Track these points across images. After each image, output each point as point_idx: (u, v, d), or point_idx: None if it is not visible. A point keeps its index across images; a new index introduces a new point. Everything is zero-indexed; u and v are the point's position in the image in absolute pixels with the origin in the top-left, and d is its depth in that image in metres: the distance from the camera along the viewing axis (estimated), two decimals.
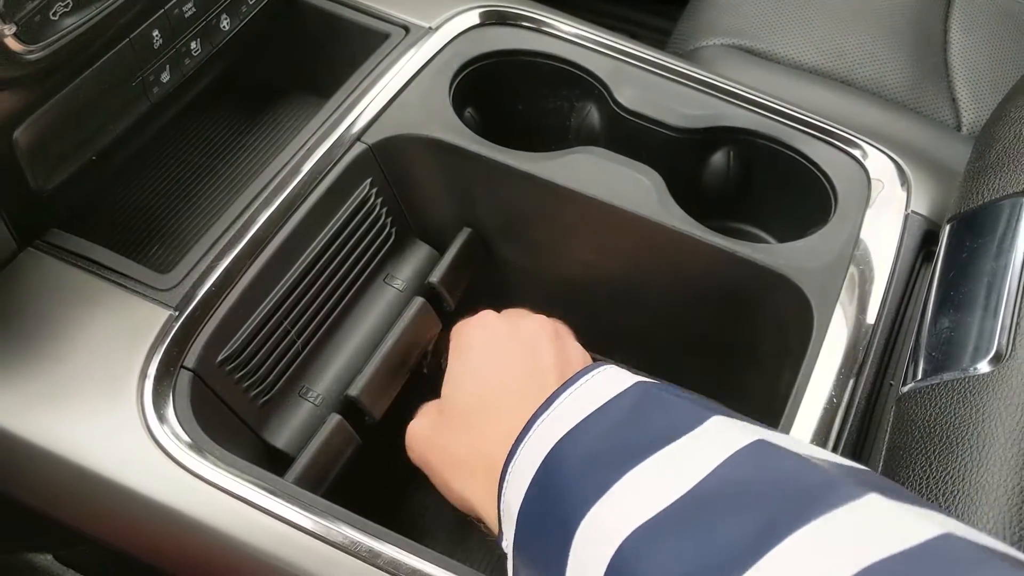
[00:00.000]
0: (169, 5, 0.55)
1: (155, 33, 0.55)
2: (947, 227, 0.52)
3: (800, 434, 0.49)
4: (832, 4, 0.85)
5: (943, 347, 0.43)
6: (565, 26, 0.67)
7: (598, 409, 0.40)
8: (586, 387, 0.42)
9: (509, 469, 0.41)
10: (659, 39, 1.12)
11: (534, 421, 0.42)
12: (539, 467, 0.39)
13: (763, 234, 0.68)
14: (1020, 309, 0.39)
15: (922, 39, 0.84)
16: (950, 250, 0.49)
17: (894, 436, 0.43)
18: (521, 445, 0.41)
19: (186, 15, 0.57)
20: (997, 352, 0.39)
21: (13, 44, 0.46)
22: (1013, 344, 0.38)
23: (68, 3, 0.48)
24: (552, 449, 0.39)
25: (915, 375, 0.44)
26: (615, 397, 0.40)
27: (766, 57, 0.81)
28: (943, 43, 0.86)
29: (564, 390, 0.42)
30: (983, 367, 0.39)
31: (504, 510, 0.42)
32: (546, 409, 0.42)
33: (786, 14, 0.83)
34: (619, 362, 0.67)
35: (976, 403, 0.38)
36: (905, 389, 0.45)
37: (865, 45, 0.82)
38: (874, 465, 0.45)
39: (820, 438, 0.49)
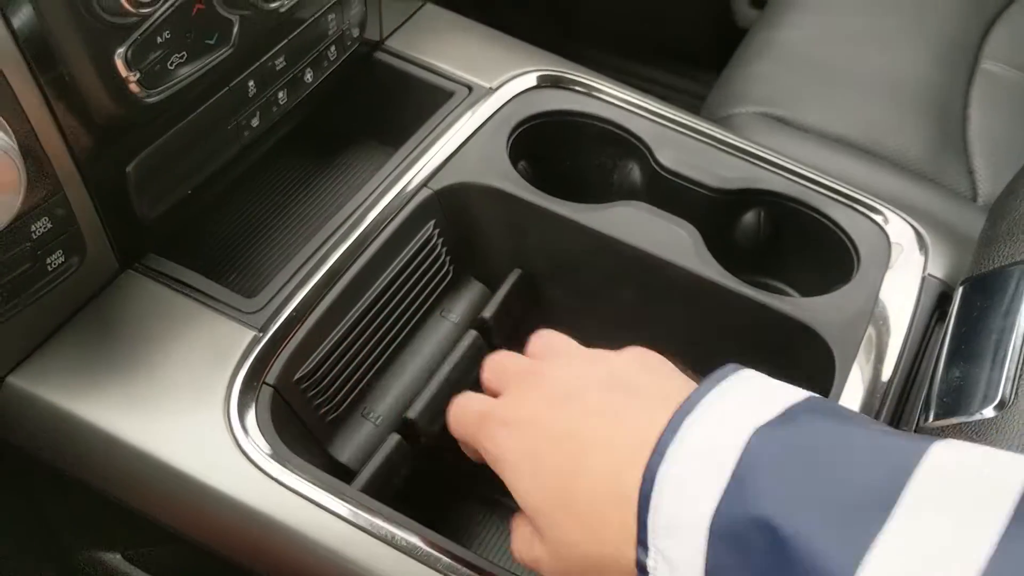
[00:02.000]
0: (264, 59, 0.62)
1: (250, 83, 0.62)
2: (960, 288, 0.57)
3: None
4: (859, 78, 0.91)
5: (953, 394, 0.48)
6: (612, 90, 0.73)
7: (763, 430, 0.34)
8: (732, 395, 0.36)
9: (651, 511, 0.35)
10: (692, 103, 1.18)
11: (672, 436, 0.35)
12: (715, 515, 0.33)
13: (789, 289, 0.73)
14: (1023, 362, 0.44)
15: (943, 114, 0.90)
16: (962, 309, 0.54)
17: None
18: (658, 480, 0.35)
19: (277, 68, 0.64)
20: (1002, 399, 0.44)
21: (135, 89, 0.53)
22: (1016, 393, 0.43)
23: (184, 55, 0.55)
24: (731, 490, 0.33)
25: (927, 419, 0.49)
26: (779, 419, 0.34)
27: (796, 126, 0.87)
28: (963, 119, 0.92)
29: (701, 398, 0.36)
30: (988, 412, 0.44)
31: (662, 558, 0.35)
32: (685, 418, 0.36)
33: (815, 86, 0.90)
34: None
35: (982, 445, 0.43)
36: (916, 431, 0.50)
37: (889, 118, 0.88)
38: None
39: None
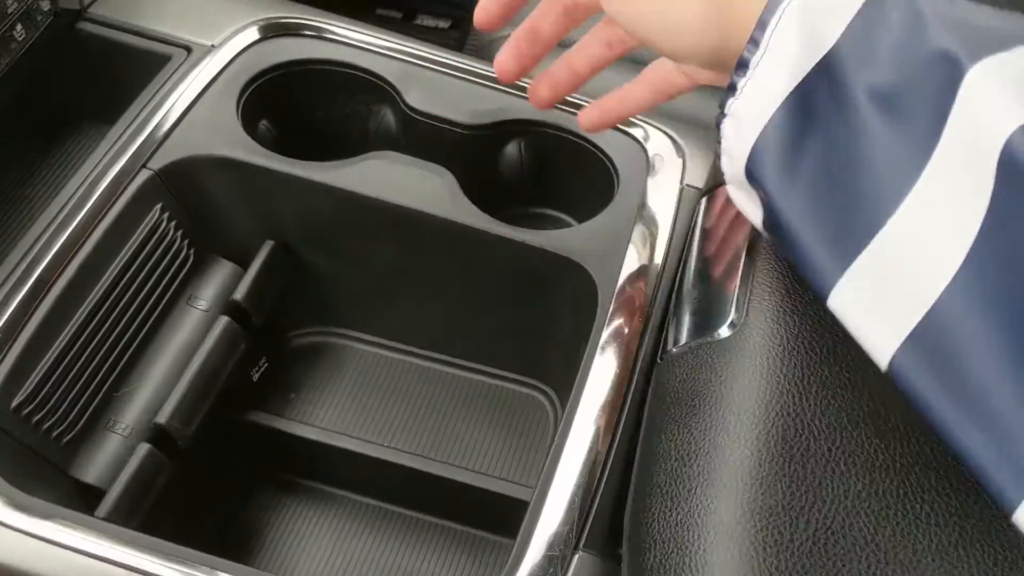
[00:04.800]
0: None
1: None
2: (702, 201, 0.56)
3: (592, 399, 0.52)
4: None
5: (694, 316, 0.47)
6: (349, 32, 0.68)
7: None
8: None
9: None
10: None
11: None
12: None
13: (564, 216, 0.71)
14: (753, 279, 0.43)
15: None
16: (704, 223, 0.53)
17: (653, 403, 0.47)
18: None
19: None
20: (734, 318, 0.42)
21: None
22: (748, 311, 0.42)
23: None
24: None
25: (675, 342, 0.47)
26: None
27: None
28: None
29: None
30: (723, 332, 0.42)
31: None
32: None
33: None
34: (436, 352, 0.70)
35: (714, 366, 0.41)
36: (662, 357, 0.48)
37: None
38: (644, 429, 0.48)
39: (610, 407, 0.52)
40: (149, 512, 0.54)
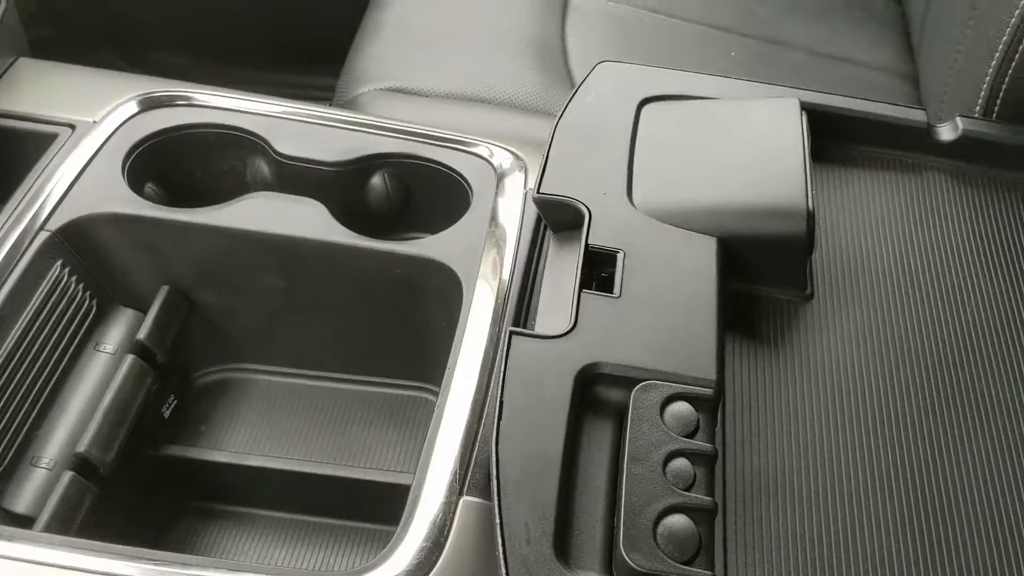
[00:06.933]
0: None
1: None
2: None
3: (463, 373, 0.59)
4: (463, 38, 0.99)
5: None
6: (218, 98, 0.76)
7: None
8: None
9: None
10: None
11: None
12: None
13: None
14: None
15: (545, 52, 1.00)
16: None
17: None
18: None
19: None
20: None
21: None
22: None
23: None
24: None
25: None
26: None
27: (415, 93, 0.94)
28: (563, 52, 1.02)
29: None
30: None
31: None
32: None
33: (425, 54, 0.97)
34: (329, 371, 0.76)
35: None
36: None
37: (497, 67, 0.96)
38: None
39: (482, 379, 0.60)
40: (79, 531, 0.59)
